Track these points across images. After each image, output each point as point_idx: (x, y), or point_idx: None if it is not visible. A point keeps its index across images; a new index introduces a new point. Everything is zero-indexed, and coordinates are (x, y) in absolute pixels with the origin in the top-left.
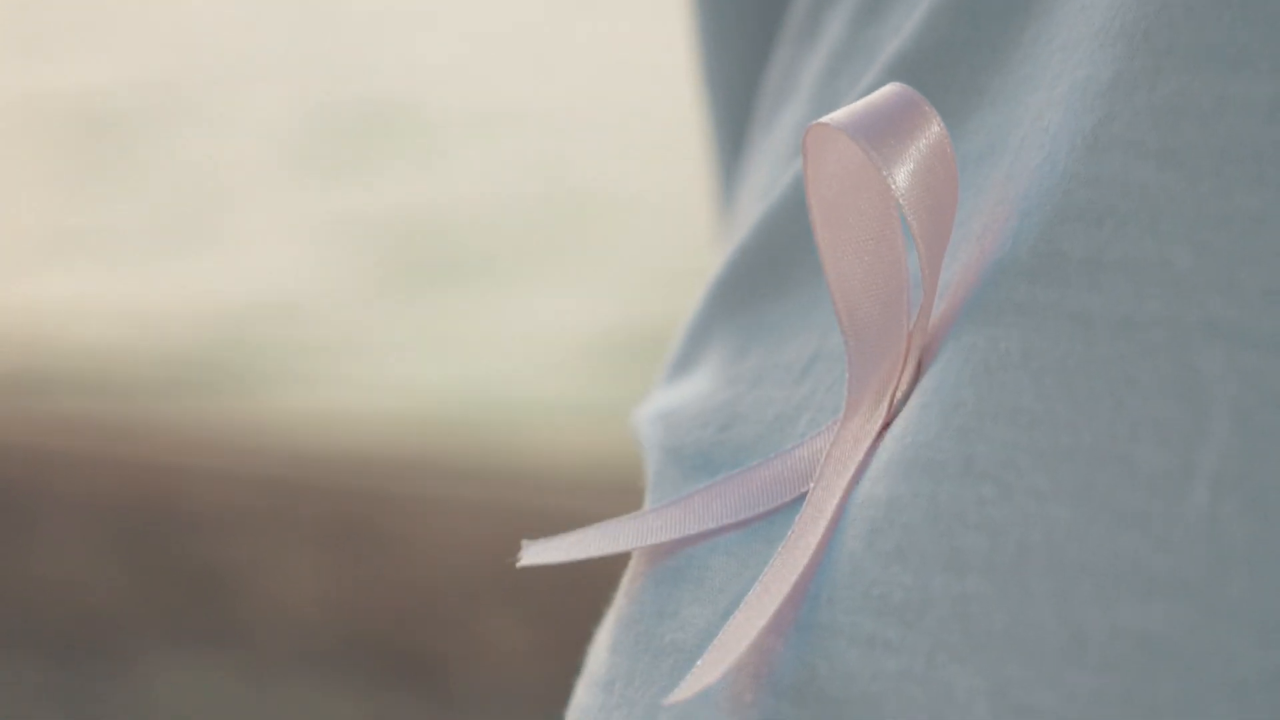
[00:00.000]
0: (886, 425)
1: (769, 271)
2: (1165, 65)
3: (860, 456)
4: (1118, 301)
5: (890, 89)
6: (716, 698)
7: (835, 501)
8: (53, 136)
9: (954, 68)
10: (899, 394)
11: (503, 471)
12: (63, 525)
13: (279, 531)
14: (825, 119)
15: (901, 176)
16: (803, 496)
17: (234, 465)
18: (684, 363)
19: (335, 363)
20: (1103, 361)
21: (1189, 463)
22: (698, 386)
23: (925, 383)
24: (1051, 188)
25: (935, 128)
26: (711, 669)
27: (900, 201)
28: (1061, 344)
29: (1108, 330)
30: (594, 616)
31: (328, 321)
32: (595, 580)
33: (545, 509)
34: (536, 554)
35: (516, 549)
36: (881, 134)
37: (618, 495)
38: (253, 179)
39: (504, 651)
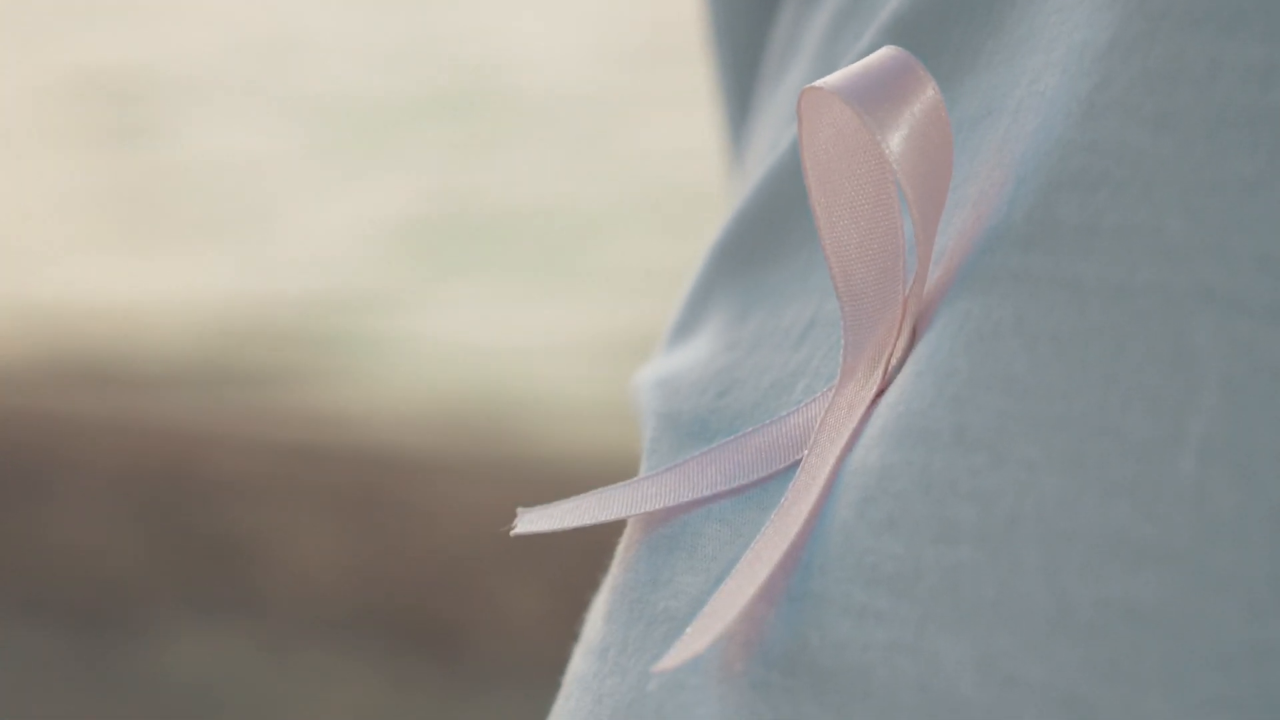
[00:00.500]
0: (881, 392)
1: (768, 235)
2: (1161, 29)
3: (854, 424)
4: (1111, 269)
5: (885, 52)
6: (706, 666)
7: (828, 469)
8: (92, 113)
9: (948, 29)
10: (894, 360)
11: (522, 441)
12: (81, 494)
13: (297, 500)
14: (819, 83)
15: (896, 141)
16: (797, 463)
17: (253, 434)
18: (685, 327)
19: (372, 340)
20: (1095, 330)
21: (1178, 431)
22: (697, 352)
23: (920, 350)
24: (1047, 153)
25: (930, 92)
26: (701, 637)
27: (895, 167)
28: (1054, 312)
29: (1100, 298)
30: None
31: (364, 301)
32: (612, 548)
33: (565, 477)
34: (531, 522)
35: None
36: (876, 98)
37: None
38: (291, 166)
39: (521, 620)
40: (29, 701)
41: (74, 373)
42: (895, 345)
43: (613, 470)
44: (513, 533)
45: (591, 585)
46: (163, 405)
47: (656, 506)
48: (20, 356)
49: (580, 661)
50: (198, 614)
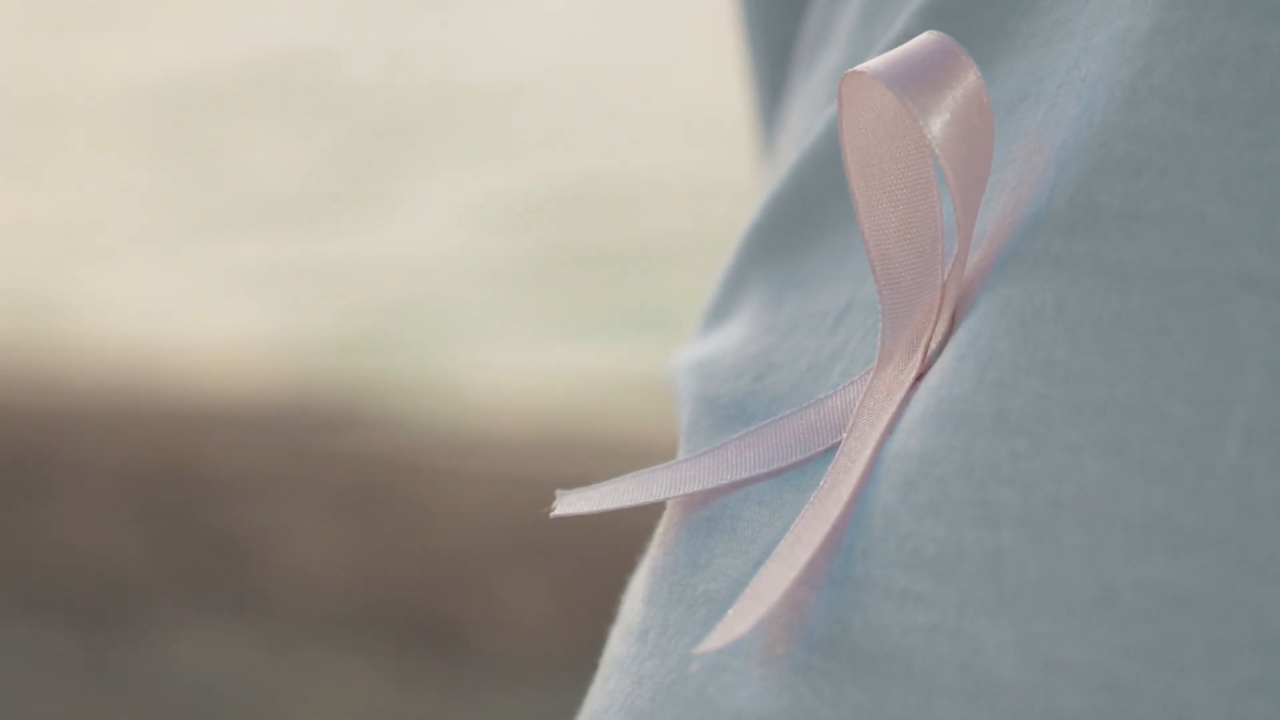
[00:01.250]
0: (920, 376)
1: (803, 219)
2: (1204, 15)
3: (894, 408)
4: (1153, 254)
5: (927, 36)
6: (748, 648)
7: (868, 453)
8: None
9: (982, 12)
10: (933, 345)
11: (524, 440)
12: (84, 491)
13: (300, 498)
14: (861, 67)
15: (937, 125)
16: (835, 447)
17: (255, 432)
18: (719, 312)
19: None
20: (1137, 315)
21: (1221, 416)
22: (733, 336)
23: (960, 335)
24: (1089, 139)
25: (972, 76)
26: (742, 620)
27: (936, 151)
28: (1096, 297)
29: (1143, 283)
30: (614, 584)
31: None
32: (615, 547)
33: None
34: (570, 504)
35: (537, 517)
36: (917, 82)
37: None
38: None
39: (524, 618)
40: (31, 699)
41: (75, 372)
42: (934, 329)
43: (618, 470)
44: (552, 514)
45: (594, 584)
46: (163, 405)
47: (695, 489)
48: (21, 356)
49: (618, 643)
50: (200, 612)
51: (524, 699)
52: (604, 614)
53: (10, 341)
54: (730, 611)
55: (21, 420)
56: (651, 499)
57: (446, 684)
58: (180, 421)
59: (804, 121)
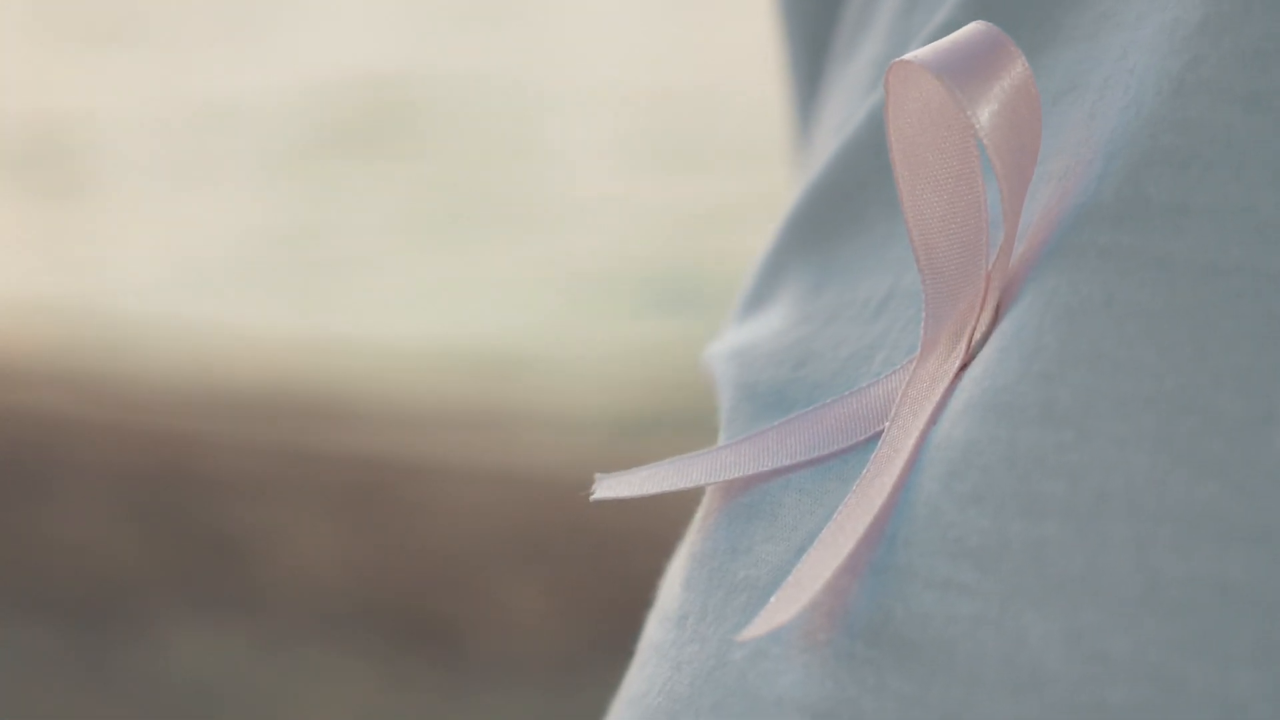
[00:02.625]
0: (964, 366)
1: (843, 207)
2: (1254, 7)
3: (937, 397)
4: (1202, 247)
5: (974, 27)
6: (789, 635)
7: (911, 441)
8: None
9: (1026, 2)
10: (977, 335)
11: (521, 440)
12: (80, 491)
13: (296, 498)
14: (909, 56)
15: (985, 116)
16: (877, 435)
17: (251, 432)
18: (757, 299)
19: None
20: (1185, 308)
21: (1270, 409)
22: (771, 324)
23: (1005, 325)
24: (1137, 131)
25: (1020, 67)
26: (786, 607)
27: (984, 141)
28: (1144, 289)
29: (1191, 276)
30: (610, 583)
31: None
32: (611, 547)
33: (559, 476)
34: (609, 488)
35: (533, 516)
36: (966, 72)
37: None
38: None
39: (520, 618)
40: (27, 698)
41: (76, 373)
42: (979, 319)
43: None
44: (592, 498)
45: (590, 584)
46: (161, 405)
47: (735, 475)
48: (19, 357)
49: (656, 629)
50: (196, 611)
51: (520, 698)
52: (600, 614)
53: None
54: (773, 598)
55: (18, 421)
56: (691, 484)
57: (442, 683)
58: (177, 421)
59: (843, 111)
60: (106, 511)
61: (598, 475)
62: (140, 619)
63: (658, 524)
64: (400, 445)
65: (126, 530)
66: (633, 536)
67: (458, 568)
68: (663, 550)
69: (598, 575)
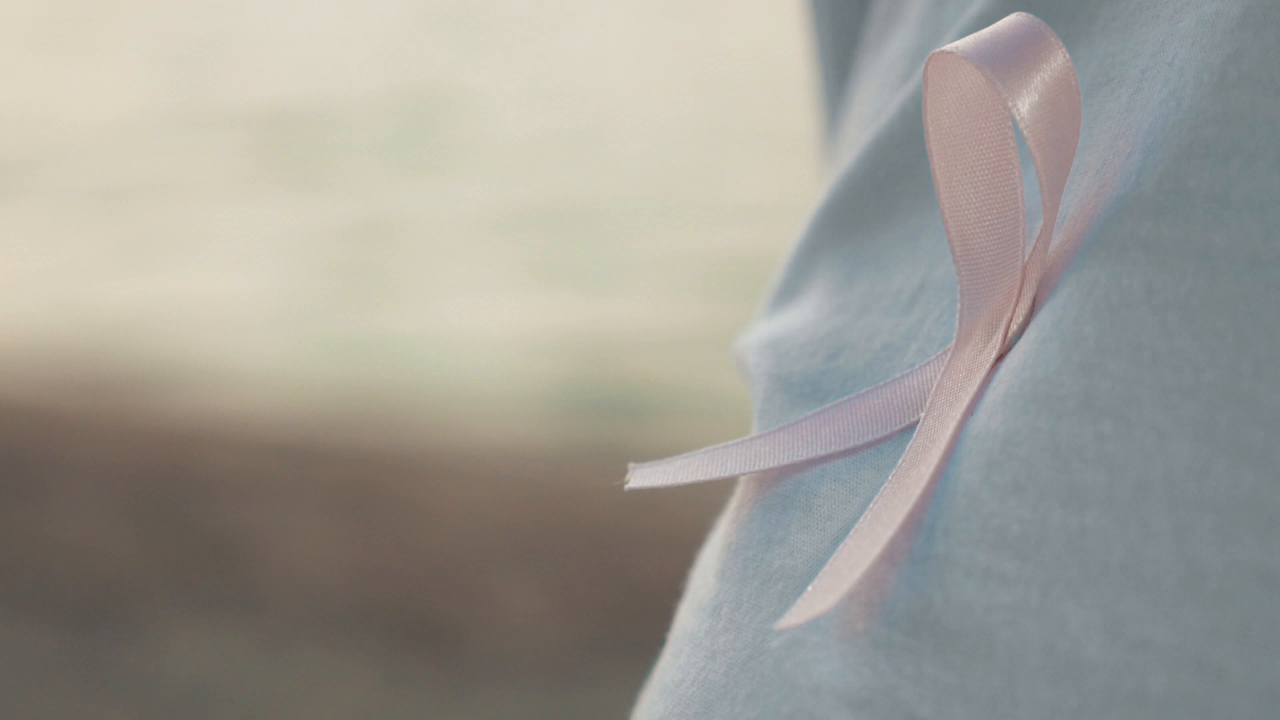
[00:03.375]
0: (1001, 357)
1: (875, 199)
2: None
3: (974, 388)
4: (1243, 239)
5: (1015, 18)
6: (827, 625)
7: (949, 432)
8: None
9: None
10: (1014, 326)
11: (511, 441)
12: (79, 491)
13: (294, 498)
14: (948, 47)
15: (1025, 107)
16: (912, 426)
17: (249, 433)
18: (789, 290)
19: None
20: (1226, 299)
21: None
22: (804, 314)
23: (1043, 316)
24: (1177, 123)
25: (1060, 58)
26: (824, 596)
27: (1024, 132)
28: (1185, 281)
29: (1232, 267)
30: (608, 584)
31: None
32: (609, 548)
33: (555, 480)
34: (644, 476)
35: (531, 518)
36: (1006, 63)
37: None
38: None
39: (518, 617)
40: (26, 698)
41: (77, 374)
42: (1015, 310)
43: (610, 475)
44: (626, 487)
45: (588, 583)
46: (159, 405)
47: (770, 465)
48: (20, 357)
49: (690, 618)
50: (194, 612)
51: (518, 698)
52: (598, 614)
53: (11, 341)
54: (810, 588)
55: (16, 421)
56: (726, 474)
57: (440, 684)
58: (176, 422)
59: (874, 103)
60: (104, 512)
61: (631, 464)
62: (138, 619)
63: (656, 524)
64: (398, 447)
65: (125, 531)
66: (631, 537)
67: (456, 568)
68: (661, 551)
69: (595, 576)
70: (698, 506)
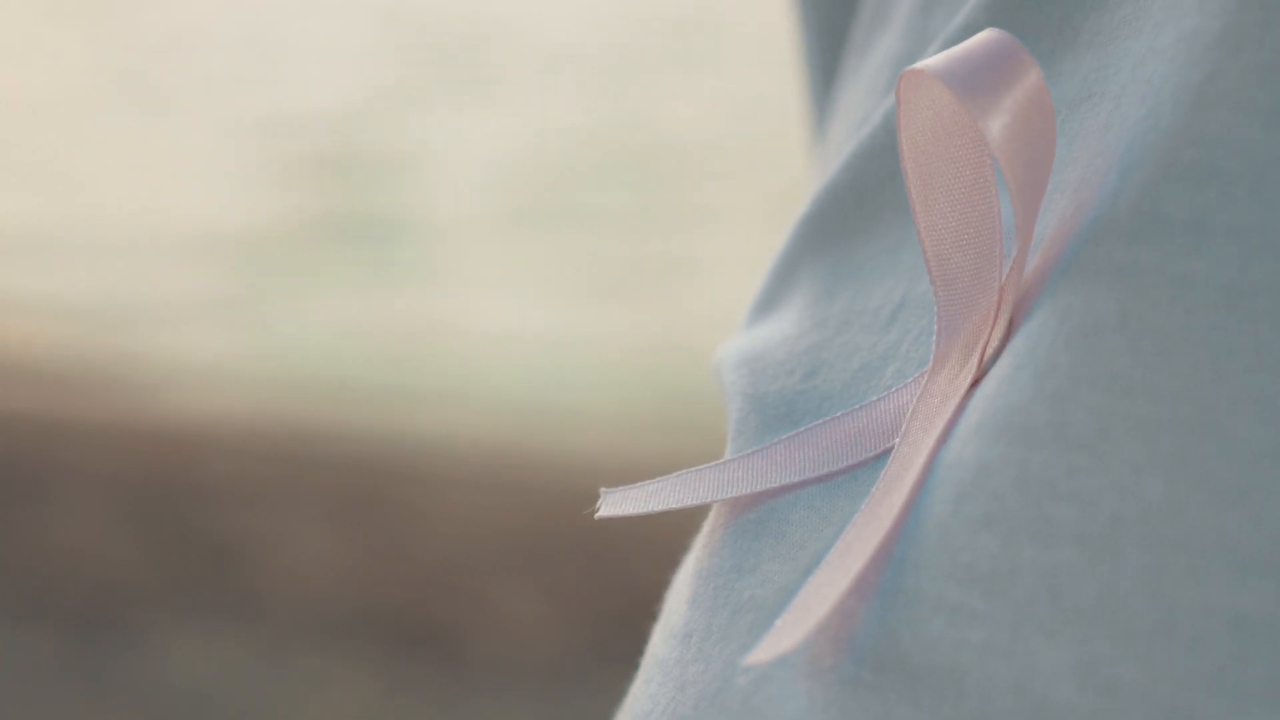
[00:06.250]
0: (976, 382)
1: (858, 209)
2: (1276, 20)
3: (948, 414)
4: (1221, 267)
5: (988, 35)
6: (795, 659)
7: (921, 460)
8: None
9: (1050, 6)
10: (989, 350)
11: (513, 447)
12: (78, 498)
13: (294, 504)
14: (920, 65)
15: (997, 127)
16: (888, 451)
17: (249, 438)
18: (769, 302)
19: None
20: (1203, 329)
21: None
22: (783, 329)
23: (1017, 342)
24: (1154, 144)
25: (1034, 77)
26: (791, 632)
27: (995, 153)
28: (1161, 309)
29: (1209, 297)
30: (608, 590)
31: None
32: (609, 554)
33: (561, 485)
34: (615, 505)
35: (530, 523)
36: (977, 82)
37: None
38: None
39: (518, 624)
40: (25, 705)
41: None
42: (991, 333)
43: (609, 480)
44: (596, 515)
45: (587, 590)
46: (159, 409)
47: (743, 491)
48: (20, 357)
49: (661, 645)
50: (194, 618)
51: (517, 705)
52: (597, 620)
53: (9, 343)
54: (778, 622)
55: (16, 425)
56: (698, 501)
57: (440, 690)
58: (175, 427)
59: (860, 108)
60: (103, 518)
61: (603, 490)
62: (137, 625)
63: (656, 530)
64: (397, 453)
65: (124, 537)
66: (630, 543)
67: (455, 574)
68: (661, 556)
69: (595, 581)
70: (699, 512)
